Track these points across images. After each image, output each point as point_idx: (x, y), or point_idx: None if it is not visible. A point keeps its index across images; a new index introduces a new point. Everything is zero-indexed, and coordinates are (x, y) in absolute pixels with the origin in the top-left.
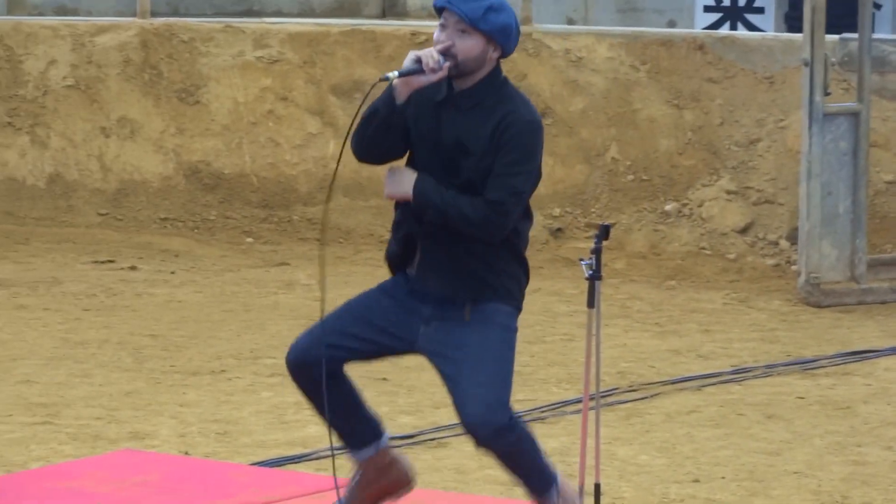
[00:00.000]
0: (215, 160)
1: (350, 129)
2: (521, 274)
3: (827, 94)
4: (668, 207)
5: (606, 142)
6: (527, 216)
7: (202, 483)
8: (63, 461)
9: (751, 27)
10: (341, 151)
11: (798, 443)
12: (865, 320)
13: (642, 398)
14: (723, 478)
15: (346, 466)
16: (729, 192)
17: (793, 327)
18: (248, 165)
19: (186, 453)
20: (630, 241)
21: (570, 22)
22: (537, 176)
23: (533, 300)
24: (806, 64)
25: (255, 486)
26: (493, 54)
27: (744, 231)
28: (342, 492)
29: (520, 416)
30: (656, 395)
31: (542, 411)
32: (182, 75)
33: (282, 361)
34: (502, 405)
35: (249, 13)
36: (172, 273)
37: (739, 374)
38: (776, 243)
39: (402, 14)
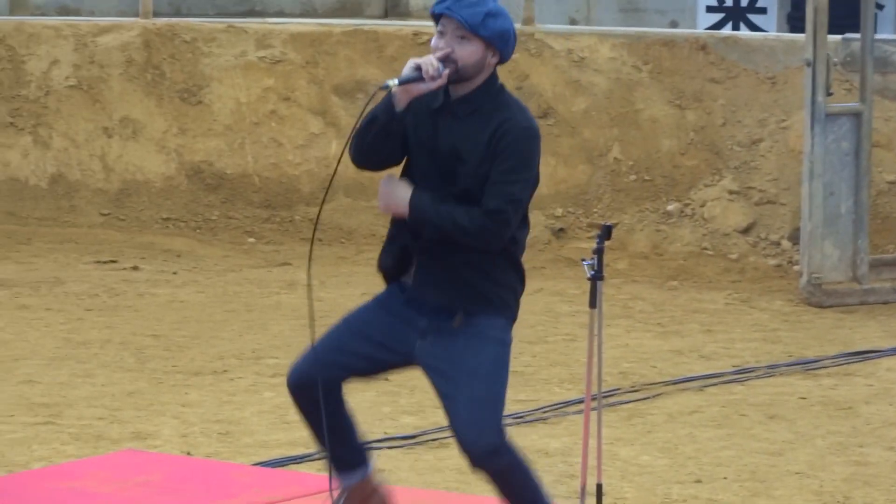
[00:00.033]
0: (218, 160)
1: (350, 135)
2: (517, 282)
3: (829, 94)
4: (670, 207)
5: (609, 142)
6: (524, 223)
7: (204, 483)
8: (65, 461)
9: (753, 27)
10: (339, 160)
11: (800, 443)
12: (867, 321)
13: (644, 398)
14: (725, 478)
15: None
16: (731, 193)
17: (795, 328)
18: (250, 165)
19: (188, 453)
20: (632, 242)
21: (573, 22)
22: (535, 183)
23: (535, 300)
24: (808, 64)
25: (257, 487)
26: (492, 60)
27: (746, 231)
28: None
29: (513, 447)
30: (658, 395)
31: (544, 411)
32: (184, 75)
33: (284, 361)
34: (497, 427)
35: (252, 13)
36: (175, 273)
37: (741, 374)
38: (778, 243)
39: (405, 14)
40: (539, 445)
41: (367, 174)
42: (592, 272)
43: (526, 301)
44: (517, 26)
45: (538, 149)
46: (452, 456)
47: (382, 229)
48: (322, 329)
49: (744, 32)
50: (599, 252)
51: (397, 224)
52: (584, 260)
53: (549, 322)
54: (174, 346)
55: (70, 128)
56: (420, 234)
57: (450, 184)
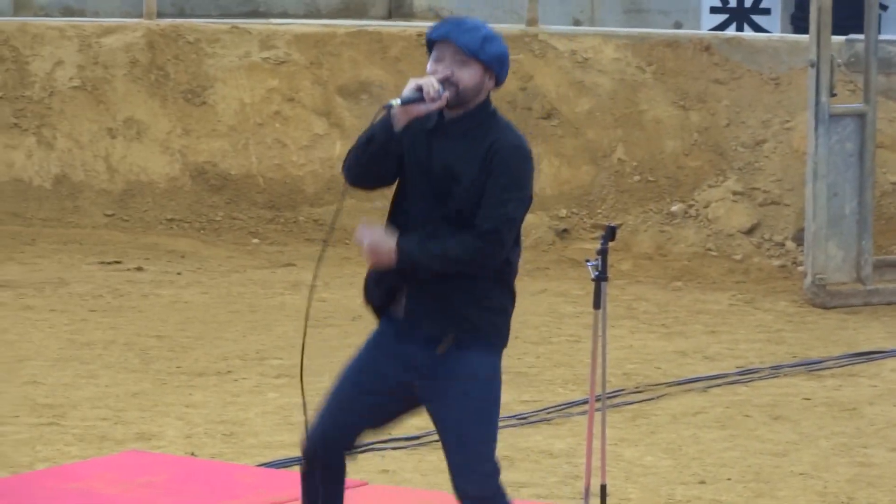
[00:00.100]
0: (222, 161)
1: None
2: (509, 305)
3: (833, 95)
4: (674, 208)
5: (613, 143)
6: (516, 245)
7: (208, 484)
8: (69, 462)
9: (757, 28)
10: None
11: (804, 444)
12: (871, 321)
13: (648, 399)
14: (729, 479)
15: None
16: (735, 193)
17: (799, 328)
18: (254, 166)
19: (193, 454)
20: (636, 242)
21: (577, 23)
22: (528, 203)
23: (539, 301)
24: (812, 65)
25: (261, 487)
26: (489, 83)
27: (750, 232)
28: None
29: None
30: (662, 396)
31: (549, 412)
32: (188, 76)
33: (288, 362)
34: (488, 473)
35: (255, 14)
36: (179, 274)
37: (745, 375)
38: (782, 244)
39: (409, 15)
40: (543, 446)
41: None
42: (596, 273)
43: (530, 302)
44: (521, 27)
45: (531, 168)
46: None
47: None
48: (319, 331)
49: (747, 33)
50: (603, 253)
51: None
52: (587, 261)
53: (553, 323)
54: (178, 347)
55: (74, 128)
56: (412, 274)
57: (443, 204)
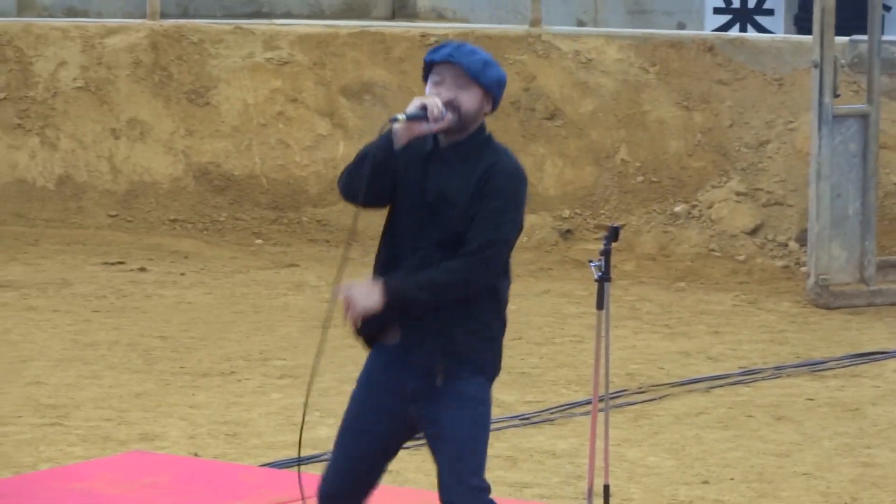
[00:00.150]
0: (225, 162)
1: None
2: (500, 335)
3: (836, 95)
4: (677, 209)
5: (616, 143)
6: (505, 275)
7: (212, 484)
8: (73, 462)
9: (760, 29)
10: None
11: (807, 444)
12: (874, 322)
13: (651, 400)
14: (732, 479)
15: None
16: (738, 194)
17: (802, 329)
18: (257, 167)
19: (196, 455)
20: (639, 243)
21: (580, 23)
22: (519, 229)
23: (542, 302)
24: (815, 66)
25: (264, 488)
26: (486, 108)
27: (753, 233)
28: None
29: None
30: (665, 396)
31: (552, 413)
32: (192, 77)
33: (292, 363)
34: (478, 488)
35: (259, 15)
36: (182, 274)
37: (748, 375)
38: (785, 245)
39: (412, 16)
40: (546, 447)
41: None
42: (600, 274)
43: (533, 302)
44: (524, 27)
45: (525, 192)
46: None
47: None
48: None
49: (751, 34)
50: (607, 253)
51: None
52: (591, 261)
53: (557, 323)
54: (182, 348)
55: (77, 129)
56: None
57: (436, 230)
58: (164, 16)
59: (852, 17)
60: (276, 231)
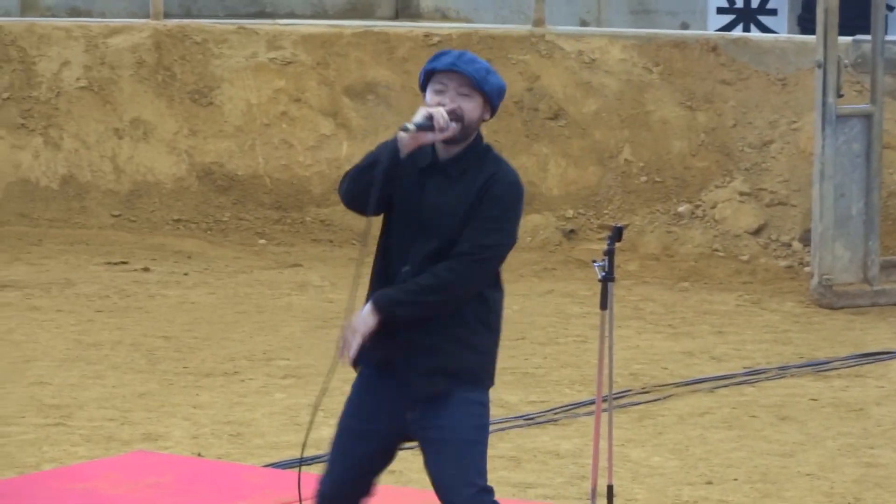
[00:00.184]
0: (228, 161)
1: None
2: (494, 347)
3: (840, 95)
4: (681, 209)
5: (619, 143)
6: (497, 286)
7: (215, 484)
8: (76, 463)
9: (764, 29)
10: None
11: (811, 444)
12: (878, 322)
13: (655, 400)
14: (735, 479)
15: None
16: (742, 194)
17: (806, 329)
18: (261, 167)
19: (199, 455)
20: (643, 243)
21: (583, 23)
22: (513, 241)
23: (546, 302)
24: (819, 66)
25: (267, 488)
26: (485, 116)
27: (757, 233)
28: None
29: None
30: (669, 396)
31: (555, 413)
32: (195, 77)
33: (295, 363)
34: (484, 491)
35: (262, 15)
36: (185, 274)
37: (752, 375)
38: (789, 245)
39: (416, 15)
40: (550, 447)
41: None
42: (603, 273)
43: (536, 302)
44: (528, 27)
45: (522, 205)
46: None
47: None
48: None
49: (754, 34)
50: (610, 253)
51: (373, 336)
52: (594, 261)
53: (560, 323)
54: (185, 348)
55: (81, 129)
56: (397, 327)
57: (433, 240)
58: (167, 16)
59: (856, 16)
60: (279, 231)
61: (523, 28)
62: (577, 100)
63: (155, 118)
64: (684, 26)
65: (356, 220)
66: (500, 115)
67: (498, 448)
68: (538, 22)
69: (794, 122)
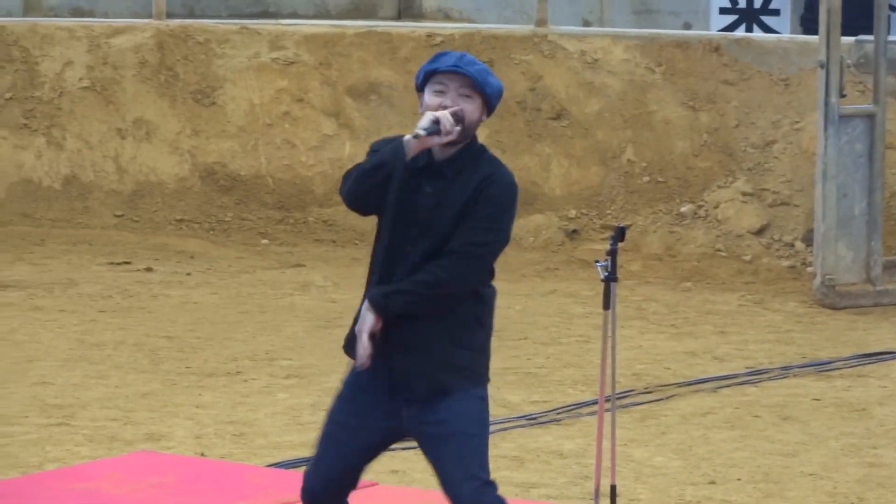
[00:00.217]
0: (231, 162)
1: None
2: (487, 344)
3: (842, 95)
4: (683, 209)
5: (622, 143)
6: (489, 284)
7: (218, 484)
8: (79, 463)
9: (766, 29)
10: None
11: (813, 444)
12: (881, 322)
13: (658, 400)
14: (738, 479)
15: None
16: (744, 194)
17: (808, 329)
18: (263, 167)
19: (202, 455)
20: (645, 243)
21: (586, 23)
22: (505, 241)
23: (548, 302)
24: (821, 66)
25: (271, 488)
26: (483, 118)
27: (759, 233)
28: None
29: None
30: (672, 396)
31: (558, 413)
32: (198, 77)
33: (298, 363)
34: (489, 484)
35: (265, 15)
36: (188, 274)
37: (755, 375)
38: (791, 245)
39: (418, 16)
40: (553, 447)
41: None
42: (606, 274)
43: (539, 302)
44: (530, 27)
45: (515, 205)
46: None
47: None
48: (328, 331)
49: (757, 34)
50: (613, 254)
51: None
52: (597, 261)
53: (563, 323)
54: (188, 348)
55: (83, 129)
56: (390, 326)
57: (428, 241)
58: (170, 16)
59: (858, 17)
60: (282, 231)
61: (526, 28)
62: (580, 100)
63: (158, 118)
64: (687, 26)
65: (359, 221)
66: (502, 115)
67: (501, 448)
68: (541, 22)
69: (797, 122)
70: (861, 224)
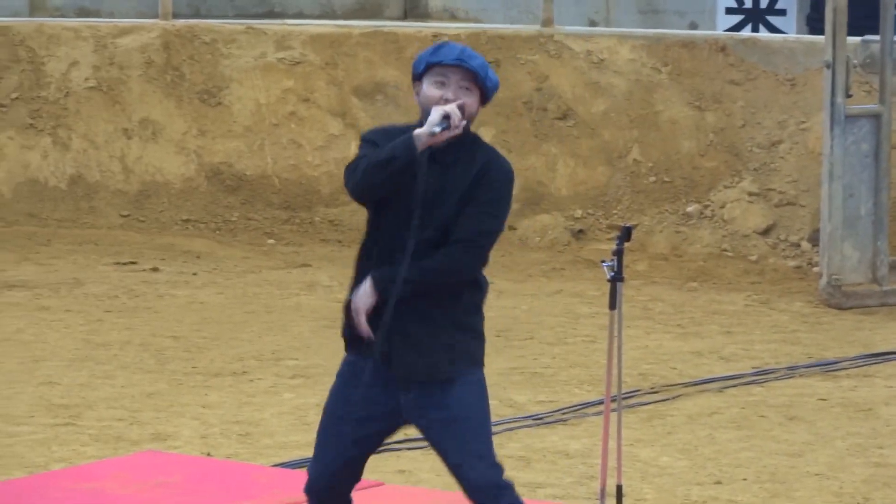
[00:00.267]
0: (237, 161)
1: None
2: (482, 329)
3: (848, 95)
4: (689, 209)
5: (628, 143)
6: (483, 271)
7: (224, 484)
8: (85, 462)
9: (772, 29)
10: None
11: (819, 444)
12: (887, 322)
13: (664, 400)
14: (744, 479)
15: None
16: (750, 194)
17: (814, 329)
18: (269, 167)
19: (208, 454)
20: (652, 243)
21: (592, 23)
22: (502, 228)
23: (554, 302)
24: (828, 66)
25: (276, 488)
26: (479, 109)
27: (765, 233)
28: None
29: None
30: (678, 396)
31: (564, 413)
32: (204, 77)
33: (304, 363)
34: (497, 465)
35: (271, 15)
36: (194, 274)
37: (761, 375)
38: (798, 245)
39: (424, 15)
40: (559, 447)
41: None
42: (612, 274)
43: (545, 302)
44: (536, 27)
45: (512, 193)
46: None
47: None
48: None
49: (763, 34)
50: (619, 253)
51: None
52: (603, 261)
53: (569, 323)
54: (194, 348)
55: (90, 129)
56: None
57: (426, 228)
58: (176, 16)
59: (864, 16)
60: (288, 231)
61: (532, 28)
62: (586, 100)
63: (164, 118)
64: (693, 26)
65: (361, 220)
66: (509, 115)
67: (507, 448)
68: (547, 22)
69: (803, 122)
70: (867, 224)
